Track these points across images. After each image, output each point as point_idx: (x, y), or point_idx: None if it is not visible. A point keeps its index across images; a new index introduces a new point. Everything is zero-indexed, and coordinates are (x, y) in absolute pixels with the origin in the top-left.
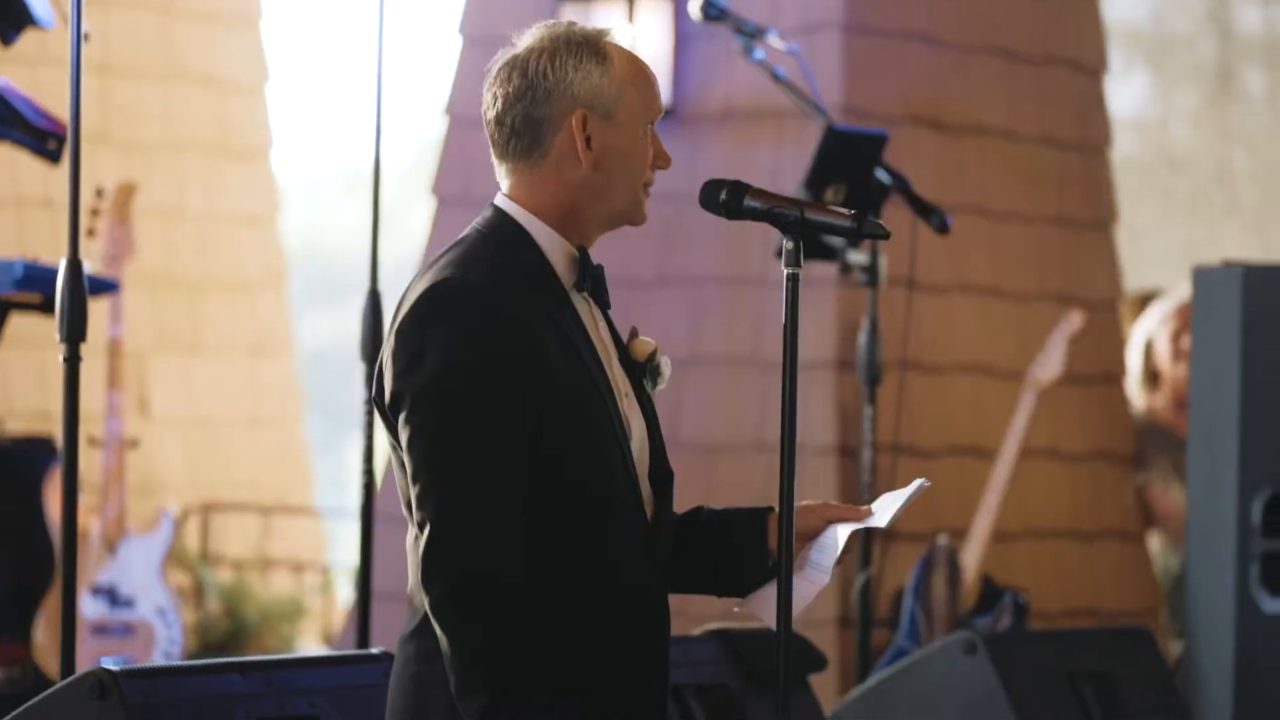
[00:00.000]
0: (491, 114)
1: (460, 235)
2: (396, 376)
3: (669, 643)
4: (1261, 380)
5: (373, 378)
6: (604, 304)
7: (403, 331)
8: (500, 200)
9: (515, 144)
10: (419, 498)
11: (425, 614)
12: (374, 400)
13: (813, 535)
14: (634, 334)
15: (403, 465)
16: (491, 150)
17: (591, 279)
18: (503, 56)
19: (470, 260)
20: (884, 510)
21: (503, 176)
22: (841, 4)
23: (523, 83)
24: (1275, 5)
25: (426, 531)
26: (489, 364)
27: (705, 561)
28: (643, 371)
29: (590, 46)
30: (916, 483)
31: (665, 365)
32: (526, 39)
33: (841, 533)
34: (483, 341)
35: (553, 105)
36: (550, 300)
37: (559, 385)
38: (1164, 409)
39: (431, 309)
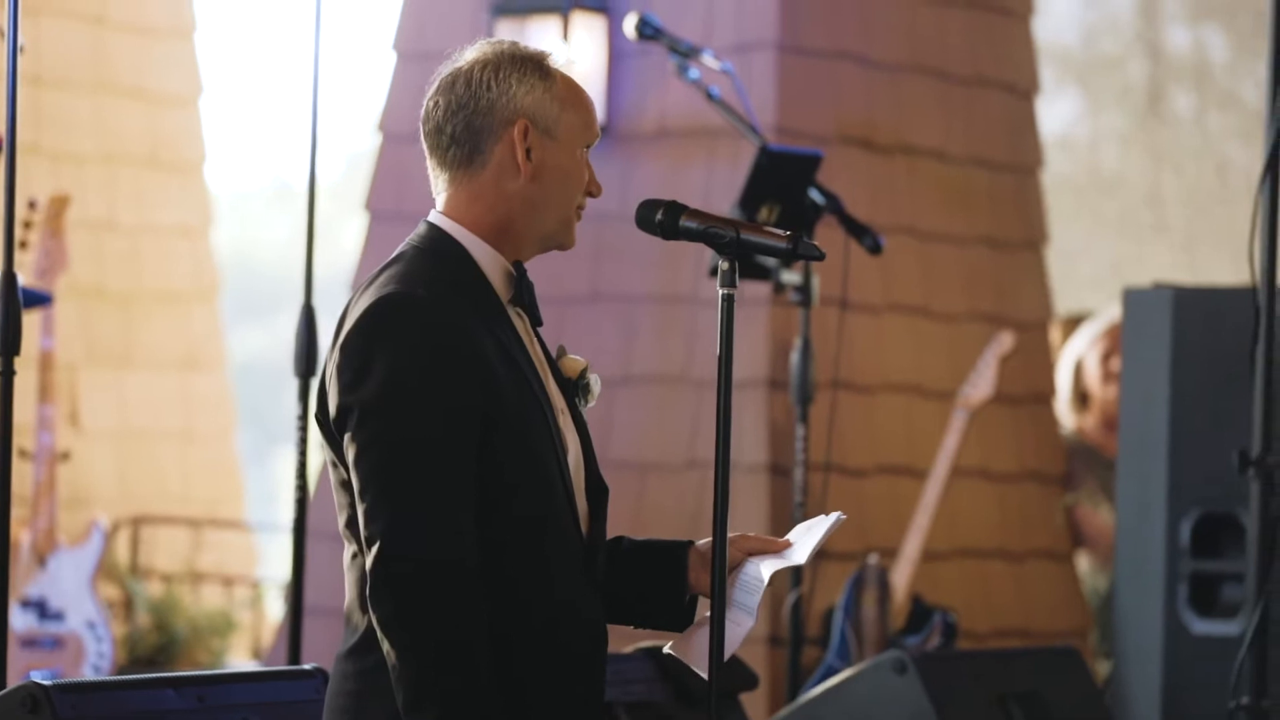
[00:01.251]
0: (431, 123)
1: (397, 252)
2: (343, 391)
3: (605, 659)
4: (1190, 402)
5: (307, 393)
6: (537, 321)
7: (348, 346)
8: (434, 217)
9: (455, 152)
10: (367, 512)
11: (364, 631)
12: (316, 417)
13: (732, 567)
14: (562, 352)
15: (344, 483)
16: (428, 160)
17: (527, 294)
18: (446, 68)
19: (412, 275)
20: (802, 545)
21: (439, 189)
22: (776, 24)
23: (466, 92)
24: (1204, 28)
25: (376, 547)
26: (436, 377)
27: (624, 594)
28: (574, 389)
29: (534, 63)
30: (834, 516)
31: (595, 383)
32: (470, 53)
33: (765, 570)
34: (429, 355)
35: (495, 115)
36: (489, 315)
37: (503, 399)
38: (1093, 430)
39: (377, 323)
